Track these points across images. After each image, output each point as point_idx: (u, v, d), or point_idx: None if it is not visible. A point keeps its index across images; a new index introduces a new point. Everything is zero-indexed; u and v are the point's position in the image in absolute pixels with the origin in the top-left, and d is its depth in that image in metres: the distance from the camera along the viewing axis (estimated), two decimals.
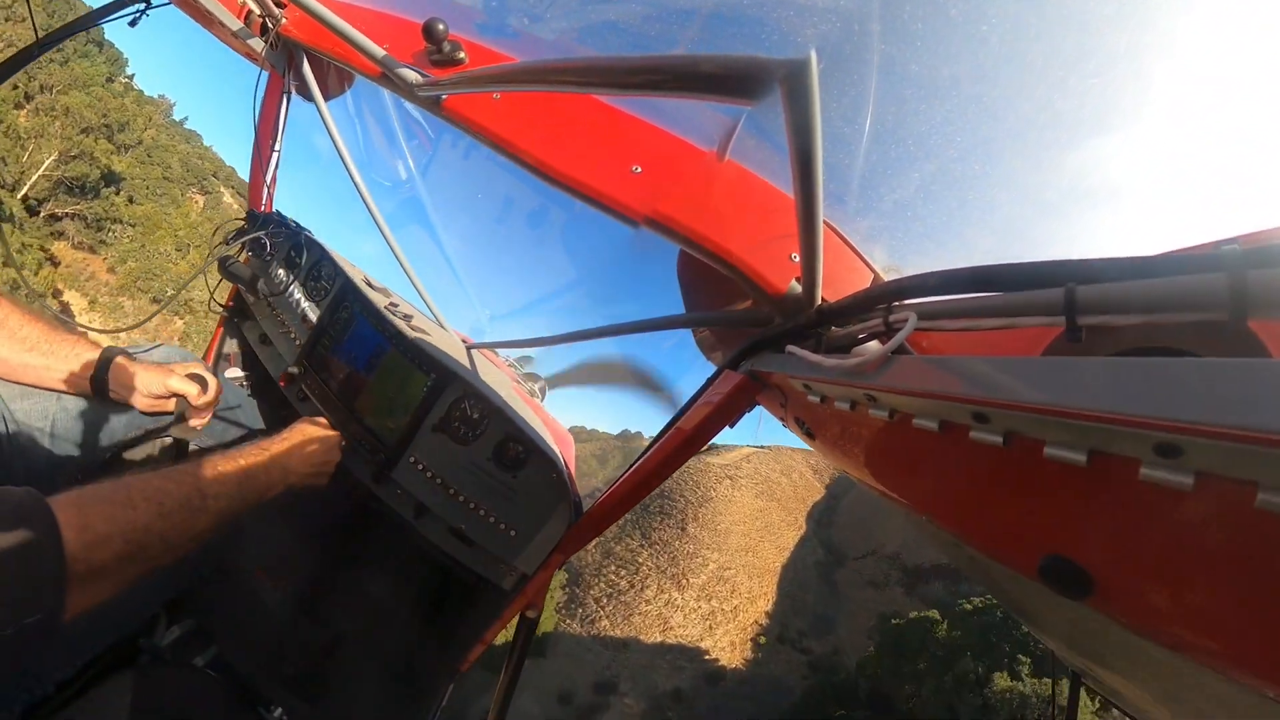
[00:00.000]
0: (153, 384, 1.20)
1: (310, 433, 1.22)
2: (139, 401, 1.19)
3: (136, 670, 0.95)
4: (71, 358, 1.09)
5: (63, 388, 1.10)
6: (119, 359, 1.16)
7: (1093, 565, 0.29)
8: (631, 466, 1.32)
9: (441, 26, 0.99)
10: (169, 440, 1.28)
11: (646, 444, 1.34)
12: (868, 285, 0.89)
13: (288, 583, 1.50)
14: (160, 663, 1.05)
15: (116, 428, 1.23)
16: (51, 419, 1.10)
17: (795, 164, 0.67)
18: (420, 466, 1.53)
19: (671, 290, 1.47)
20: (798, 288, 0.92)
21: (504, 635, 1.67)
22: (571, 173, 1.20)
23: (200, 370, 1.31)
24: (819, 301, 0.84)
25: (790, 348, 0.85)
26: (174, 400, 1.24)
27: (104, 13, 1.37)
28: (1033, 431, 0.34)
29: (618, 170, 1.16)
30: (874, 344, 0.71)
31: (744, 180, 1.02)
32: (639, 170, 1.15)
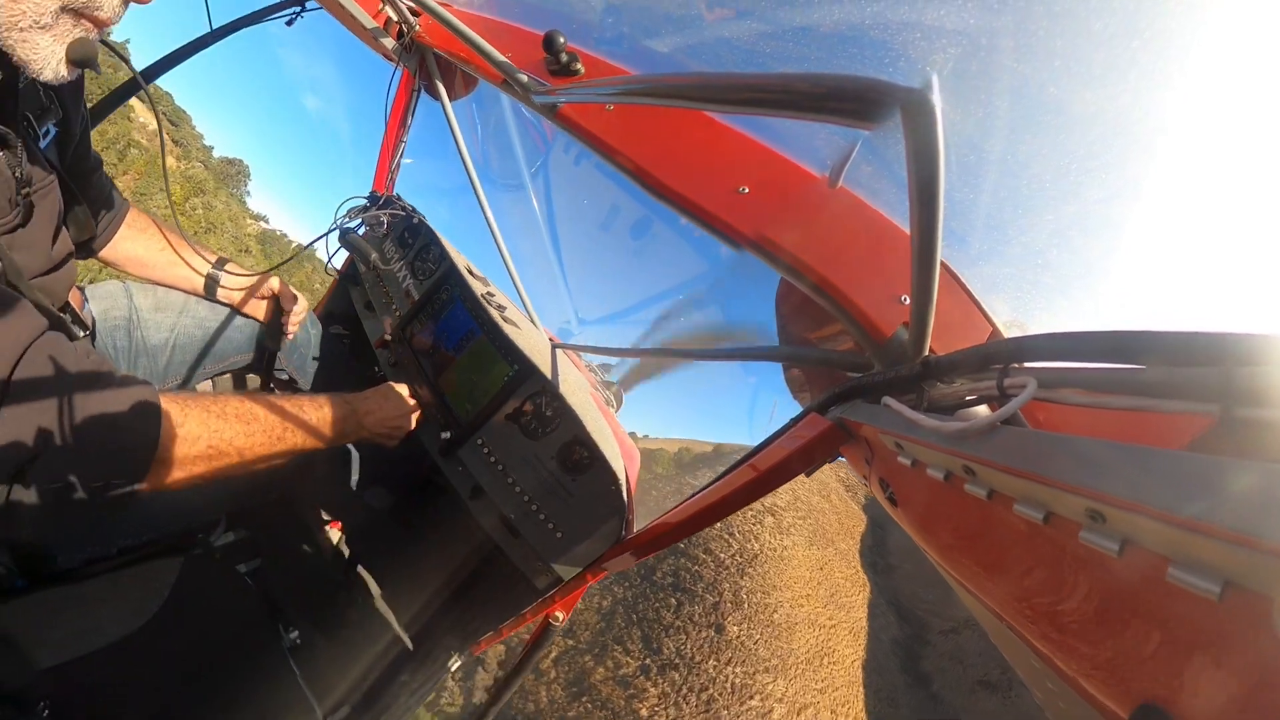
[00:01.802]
0: (254, 289, 1.50)
1: (391, 397, 1.39)
2: (240, 300, 1.47)
3: (188, 558, 1.13)
4: (196, 261, 1.40)
5: (185, 285, 1.40)
6: (231, 263, 1.47)
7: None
8: (693, 495, 1.30)
9: (561, 39, 1.07)
10: (265, 355, 1.53)
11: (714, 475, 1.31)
12: (984, 340, 0.81)
13: (340, 524, 1.66)
14: (209, 559, 1.21)
15: (226, 347, 1.51)
16: (175, 330, 1.40)
17: (914, 196, 0.64)
18: (486, 450, 1.65)
19: (767, 319, 1.44)
20: (904, 334, 0.86)
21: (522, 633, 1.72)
22: (678, 187, 1.23)
23: (296, 293, 1.58)
24: (926, 352, 0.78)
25: (887, 400, 0.80)
26: (269, 304, 1.52)
27: (267, 11, 1.67)
28: (1157, 544, 0.29)
29: (724, 189, 1.17)
30: (983, 408, 0.65)
31: (856, 210, 0.98)
32: (746, 191, 1.15)
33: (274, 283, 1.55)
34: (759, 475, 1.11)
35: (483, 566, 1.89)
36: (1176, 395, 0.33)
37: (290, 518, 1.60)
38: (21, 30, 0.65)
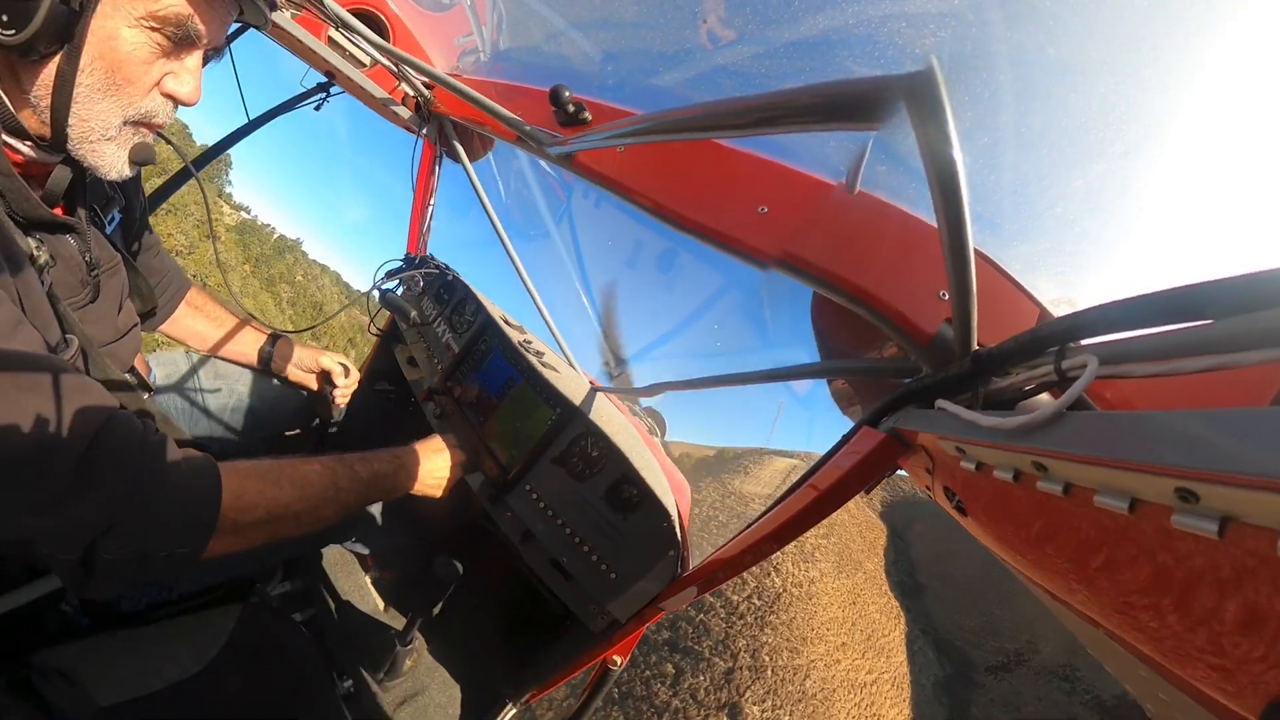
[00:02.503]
0: (306, 358, 1.58)
1: (439, 449, 1.43)
2: (293, 373, 1.56)
3: (246, 606, 1.17)
4: (250, 338, 1.50)
5: (241, 359, 1.50)
6: (283, 339, 1.57)
7: None
8: (752, 525, 1.25)
9: (566, 92, 1.14)
10: (315, 422, 1.60)
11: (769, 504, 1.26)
12: (1033, 324, 0.76)
13: (391, 574, 1.69)
14: (265, 607, 1.25)
15: (280, 414, 1.62)
16: (232, 397, 1.52)
17: (934, 187, 0.63)
18: (534, 495, 1.66)
19: (805, 336, 1.41)
20: (948, 331, 0.82)
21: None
22: (697, 217, 1.25)
23: (345, 360, 1.66)
24: (974, 346, 0.74)
25: (940, 402, 0.76)
26: (319, 377, 1.59)
27: (297, 100, 1.85)
28: (1261, 517, 0.25)
29: (743, 212, 1.18)
30: (1044, 397, 0.60)
31: (879, 212, 0.97)
32: (765, 210, 1.16)
33: (325, 360, 1.65)
34: (818, 496, 1.06)
35: (537, 612, 1.87)
36: (1252, 345, 0.30)
37: (344, 567, 1.65)
38: (91, 143, 0.76)
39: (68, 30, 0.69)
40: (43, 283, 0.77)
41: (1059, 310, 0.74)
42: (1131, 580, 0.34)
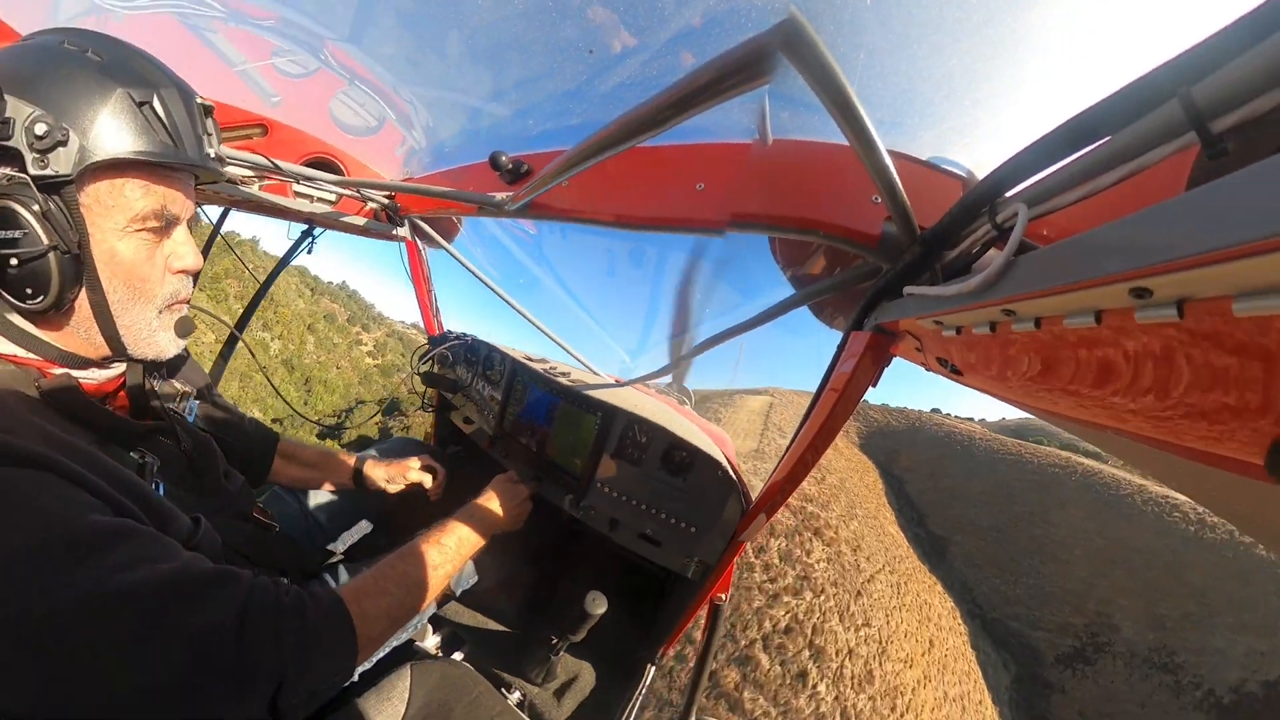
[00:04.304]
0: (395, 477, 1.56)
1: (503, 490, 1.41)
2: (387, 487, 1.55)
3: (414, 664, 1.22)
4: (339, 468, 1.50)
5: (337, 485, 1.52)
6: (369, 462, 1.54)
7: None
8: (789, 449, 1.25)
9: (503, 156, 1.13)
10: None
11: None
12: (960, 195, 0.74)
13: (516, 594, 1.73)
14: (430, 658, 1.29)
15: (379, 504, 1.61)
16: (339, 515, 1.53)
17: (834, 113, 0.61)
18: (606, 489, 1.68)
19: (776, 277, 1.39)
20: (891, 228, 0.80)
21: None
22: (648, 213, 1.24)
23: (430, 461, 1.65)
24: (918, 232, 0.72)
25: (908, 289, 0.74)
26: (406, 486, 1.58)
27: (292, 250, 1.88)
28: (1210, 290, 0.24)
29: (685, 194, 1.16)
30: (992, 252, 0.59)
31: (796, 150, 0.94)
32: (702, 187, 1.14)
33: (412, 475, 1.60)
34: (838, 399, 1.05)
35: (643, 582, 1.90)
36: (1151, 146, 0.29)
37: (476, 605, 1.69)
38: (144, 340, 0.76)
39: (78, 273, 0.68)
40: (157, 486, 0.77)
41: (979, 175, 0.72)
42: (1119, 380, 0.33)
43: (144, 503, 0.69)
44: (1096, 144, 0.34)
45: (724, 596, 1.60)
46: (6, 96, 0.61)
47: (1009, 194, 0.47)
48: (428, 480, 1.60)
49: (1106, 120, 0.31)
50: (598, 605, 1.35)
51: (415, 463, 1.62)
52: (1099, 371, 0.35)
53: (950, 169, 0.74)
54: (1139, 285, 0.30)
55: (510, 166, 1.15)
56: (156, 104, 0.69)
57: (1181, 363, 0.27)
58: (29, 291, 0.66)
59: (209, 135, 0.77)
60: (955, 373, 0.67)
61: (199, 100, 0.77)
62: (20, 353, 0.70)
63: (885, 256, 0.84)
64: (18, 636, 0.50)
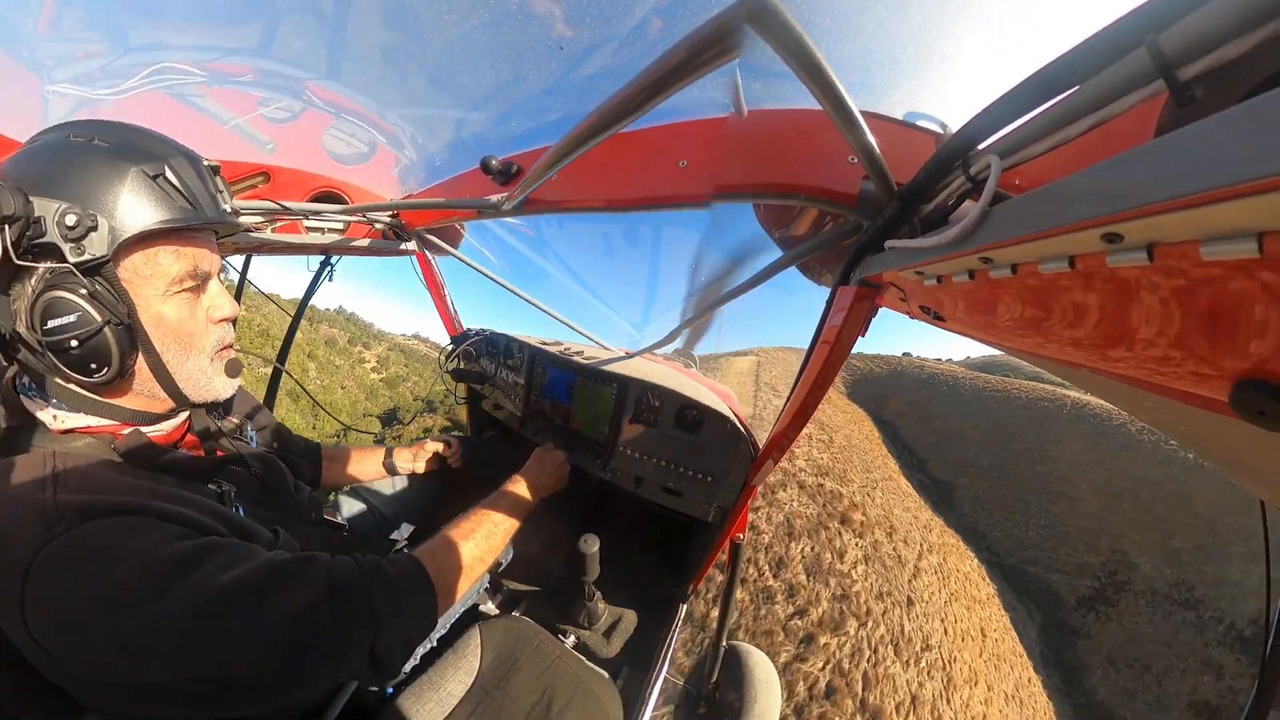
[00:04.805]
0: (418, 454, 1.65)
1: (541, 459, 1.48)
2: (415, 469, 1.64)
3: (481, 624, 1.30)
4: (373, 460, 1.58)
5: (375, 477, 1.60)
6: (394, 451, 1.63)
7: None
8: (789, 399, 1.26)
9: (493, 160, 1.09)
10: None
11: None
12: (933, 151, 0.71)
13: (561, 553, 1.83)
14: (493, 617, 1.38)
15: (430, 490, 1.72)
16: (400, 503, 1.63)
17: (805, 79, 0.58)
18: (629, 451, 1.73)
19: (764, 241, 1.36)
20: (870, 186, 0.77)
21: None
22: (636, 194, 1.20)
23: (443, 439, 1.73)
24: (895, 188, 0.70)
25: (889, 243, 0.73)
26: (431, 459, 1.67)
27: (314, 283, 1.89)
28: (1177, 234, 0.24)
29: (669, 172, 1.13)
30: (968, 204, 0.57)
31: (771, 119, 0.90)
32: (685, 164, 1.10)
33: (430, 446, 1.68)
34: (830, 349, 1.05)
35: (669, 530, 1.97)
36: (1118, 94, 0.27)
37: (527, 568, 1.78)
38: (202, 387, 0.78)
39: (133, 340, 0.70)
40: (237, 509, 0.81)
41: (953, 128, 0.69)
42: (1093, 321, 0.33)
43: (227, 524, 0.73)
44: (1066, 94, 0.32)
45: (742, 536, 1.66)
46: (31, 198, 0.61)
47: (981, 146, 0.45)
48: (442, 448, 1.68)
49: (1075, 70, 0.29)
50: (590, 545, 1.42)
51: (431, 440, 1.70)
52: (1074, 314, 0.35)
53: (924, 124, 0.70)
54: (1110, 231, 0.30)
55: (501, 168, 1.12)
56: (169, 174, 0.69)
57: (1151, 305, 0.26)
58: (94, 366, 0.67)
59: (221, 192, 0.77)
60: (938, 319, 0.66)
61: (205, 162, 0.77)
62: (95, 422, 0.73)
63: (865, 214, 0.82)
64: (144, 648, 0.55)
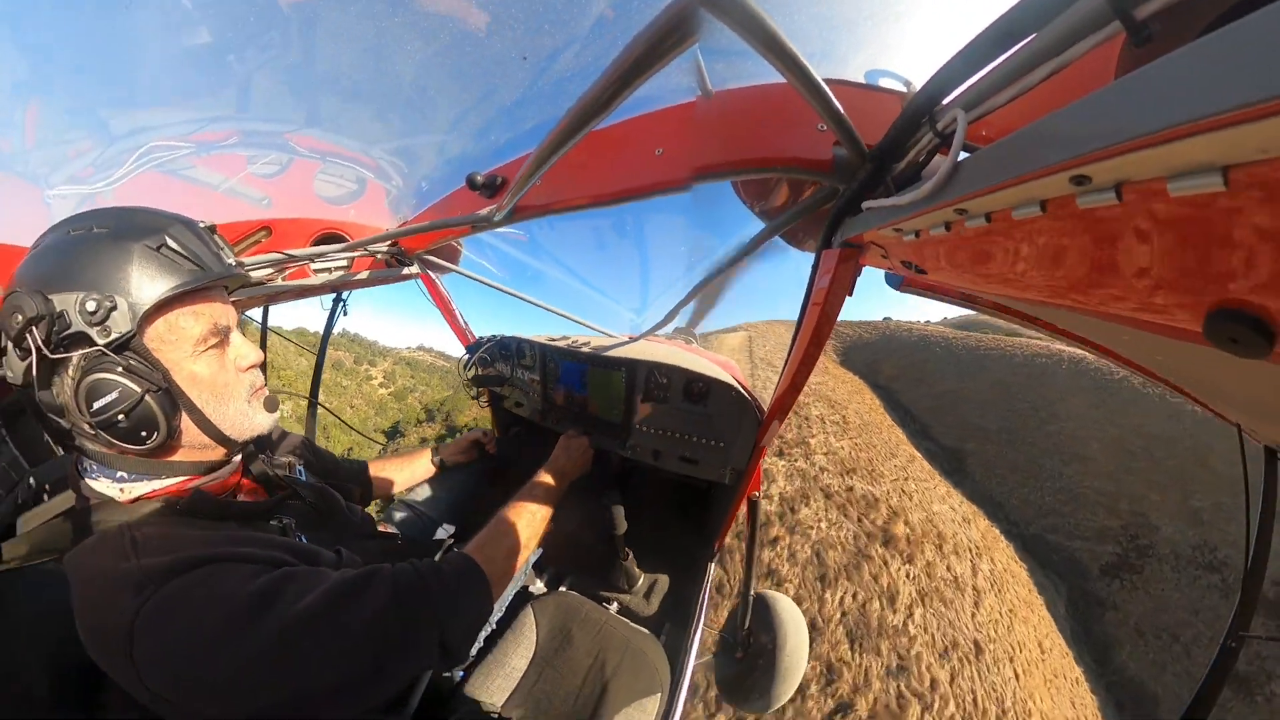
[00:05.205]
0: (460, 446, 1.73)
1: (566, 446, 1.52)
2: (461, 459, 1.71)
3: (532, 602, 1.36)
4: (421, 464, 1.63)
5: (424, 477, 1.65)
6: (439, 449, 1.70)
7: (1266, 309, 0.18)
8: (787, 362, 1.26)
9: (478, 176, 1.07)
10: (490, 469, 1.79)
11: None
12: (899, 110, 0.68)
13: (597, 527, 1.89)
14: (544, 596, 1.44)
15: (466, 481, 1.78)
16: (442, 504, 1.69)
17: (765, 53, 0.56)
18: (645, 428, 1.76)
19: (746, 216, 1.34)
20: (841, 151, 0.75)
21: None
22: (619, 187, 1.18)
23: (480, 430, 1.81)
24: (866, 150, 0.67)
25: (865, 204, 0.71)
26: (471, 448, 1.75)
27: (331, 322, 1.91)
28: (1144, 172, 0.23)
29: (646, 161, 1.10)
30: (938, 158, 0.55)
31: (738, 97, 0.87)
32: (661, 151, 1.08)
33: (468, 436, 1.77)
34: (820, 310, 1.04)
35: (690, 496, 2.01)
36: (1076, 39, 0.26)
37: (567, 544, 1.83)
38: (245, 428, 0.80)
39: (174, 402, 0.71)
40: (300, 539, 0.84)
41: (918, 85, 0.66)
42: (1069, 261, 0.32)
43: (294, 553, 0.76)
44: (1025, 42, 0.30)
45: (758, 493, 1.69)
46: (50, 295, 0.63)
47: (946, 101, 0.43)
48: (480, 436, 1.77)
49: (1032, 17, 0.28)
50: (611, 498, 1.47)
51: (469, 434, 1.78)
52: (1050, 256, 0.34)
53: (888, 84, 0.68)
54: (1078, 173, 0.29)
55: (487, 182, 1.10)
56: (170, 242, 0.70)
57: (1123, 243, 0.26)
58: (144, 434, 0.69)
59: (221, 249, 0.78)
60: (919, 272, 0.65)
61: (201, 224, 0.77)
62: (158, 485, 0.75)
63: (840, 178, 0.80)
64: (247, 678, 0.59)
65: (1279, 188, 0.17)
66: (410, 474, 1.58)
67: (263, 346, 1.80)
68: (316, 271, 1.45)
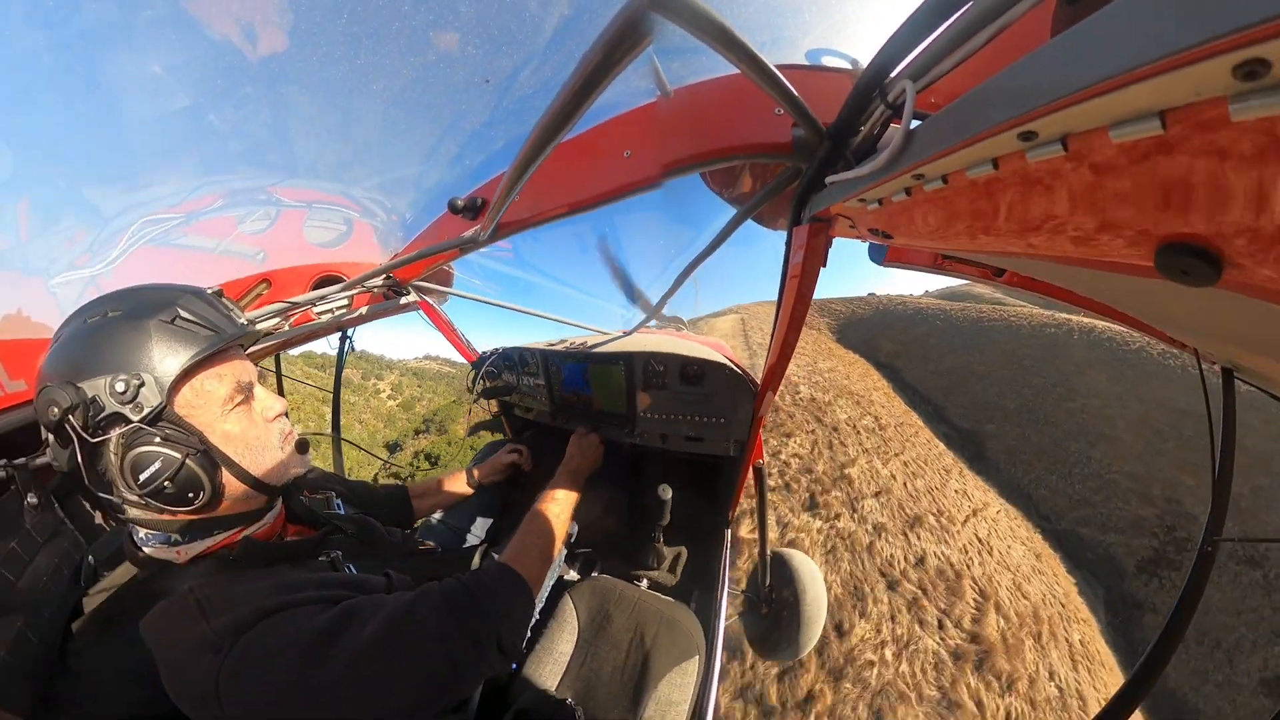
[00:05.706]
0: (497, 465, 1.70)
1: (578, 443, 1.53)
2: (496, 477, 1.70)
3: (569, 590, 1.39)
4: (458, 483, 1.62)
5: (462, 495, 1.63)
6: (475, 469, 1.68)
7: (1211, 240, 0.18)
8: (773, 335, 1.27)
9: (459, 201, 1.06)
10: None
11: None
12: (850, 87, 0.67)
13: (619, 514, 1.91)
14: (578, 585, 1.46)
15: (495, 494, 1.78)
16: (465, 507, 1.69)
17: (718, 48, 0.55)
18: (649, 415, 1.77)
19: (718, 204, 1.33)
20: (799, 132, 0.74)
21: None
22: (593, 192, 1.17)
23: (515, 446, 1.78)
24: (823, 128, 0.67)
25: (828, 179, 0.70)
26: (507, 468, 1.73)
27: (340, 362, 1.89)
28: (1086, 124, 0.23)
29: (617, 164, 1.09)
30: (892, 129, 0.54)
31: (697, 92, 0.86)
32: (629, 154, 1.06)
33: (505, 459, 1.73)
34: (798, 283, 1.04)
35: (699, 471, 2.03)
36: (1011, 2, 0.25)
37: (594, 531, 1.85)
38: (282, 475, 0.80)
39: (213, 461, 0.71)
40: (349, 569, 0.85)
41: (865, 62, 0.65)
42: (1025, 213, 0.32)
43: (348, 586, 0.77)
44: (964, 9, 0.30)
45: (762, 460, 1.71)
46: (79, 384, 0.64)
47: (894, 74, 0.43)
48: (516, 457, 1.75)
49: None
50: (666, 492, 1.47)
51: (504, 454, 1.74)
52: (1007, 209, 0.34)
53: (832, 61, 0.67)
54: (1024, 130, 0.28)
55: (467, 205, 1.08)
56: (182, 313, 0.70)
57: (1075, 190, 0.26)
58: (191, 495, 0.69)
59: (231, 311, 0.78)
60: (886, 237, 0.65)
61: (207, 290, 0.77)
62: (211, 541, 0.75)
63: (802, 157, 0.79)
64: (326, 711, 0.60)
65: (1214, 127, 0.17)
66: (448, 497, 1.59)
67: (280, 392, 1.78)
68: (319, 314, 1.44)
